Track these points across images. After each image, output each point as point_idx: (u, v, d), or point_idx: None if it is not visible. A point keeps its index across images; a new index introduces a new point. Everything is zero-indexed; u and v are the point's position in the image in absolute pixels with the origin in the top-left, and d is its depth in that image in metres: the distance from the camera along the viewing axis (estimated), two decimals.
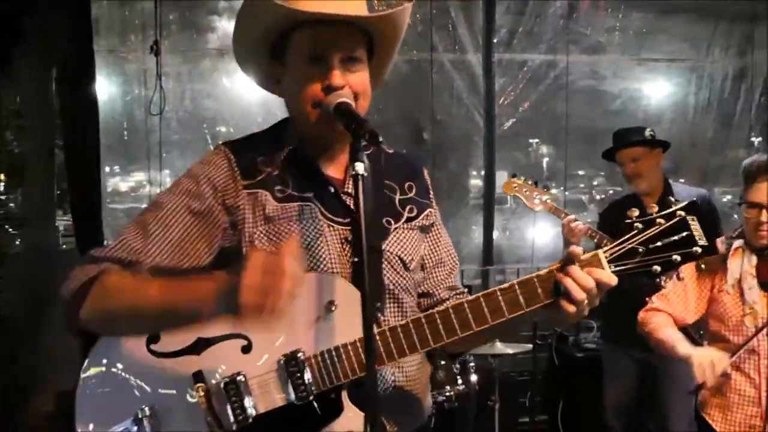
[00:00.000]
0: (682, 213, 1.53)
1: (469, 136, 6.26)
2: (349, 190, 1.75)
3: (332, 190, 1.74)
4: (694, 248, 1.52)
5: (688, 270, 2.88)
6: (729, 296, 2.81)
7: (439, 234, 1.89)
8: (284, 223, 1.68)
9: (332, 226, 1.72)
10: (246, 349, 1.59)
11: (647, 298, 3.66)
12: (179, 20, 5.85)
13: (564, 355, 5.63)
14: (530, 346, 4.34)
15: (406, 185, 1.84)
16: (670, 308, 2.93)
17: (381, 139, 1.48)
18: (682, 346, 2.76)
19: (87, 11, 5.73)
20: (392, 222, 1.78)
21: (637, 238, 1.53)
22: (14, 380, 5.14)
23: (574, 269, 1.54)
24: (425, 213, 1.84)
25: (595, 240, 3.93)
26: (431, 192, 1.90)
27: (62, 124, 5.98)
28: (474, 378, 4.06)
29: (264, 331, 1.52)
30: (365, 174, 1.43)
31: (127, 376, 1.59)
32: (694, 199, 1.60)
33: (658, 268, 1.53)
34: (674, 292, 2.94)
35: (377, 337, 1.56)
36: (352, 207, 1.73)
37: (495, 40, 6.11)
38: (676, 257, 1.52)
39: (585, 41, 6.30)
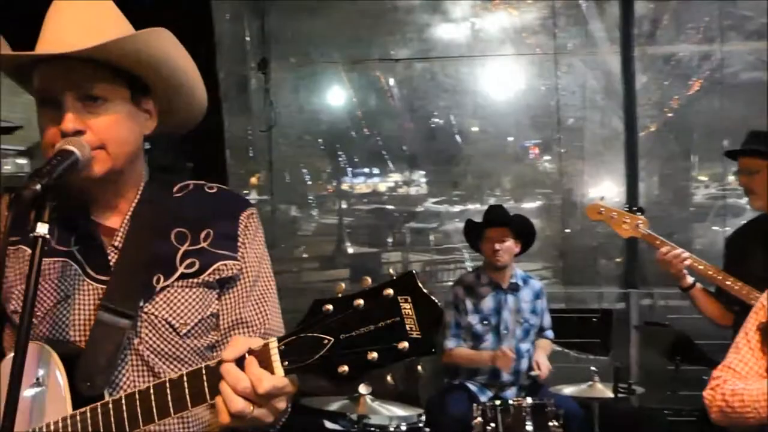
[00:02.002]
0: (390, 291, 1.07)
1: (607, 143, 5.58)
2: (117, 243, 1.51)
3: (99, 241, 1.52)
4: (401, 343, 1.05)
5: (752, 329, 2.19)
6: None
7: (244, 289, 1.56)
8: (40, 282, 1.46)
9: (91, 285, 1.50)
10: None
11: None
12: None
13: None
14: None
15: (203, 233, 1.55)
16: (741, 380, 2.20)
17: (48, 205, 1.29)
18: None
19: (210, 34, 5.89)
20: (162, 279, 1.49)
21: (322, 324, 1.10)
22: None
23: (228, 368, 1.17)
24: (216, 266, 1.53)
25: (701, 269, 3.25)
26: (239, 240, 1.57)
27: (189, 147, 6.24)
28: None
29: None
30: (46, 236, 1.28)
31: None
32: (413, 270, 1.11)
33: (345, 368, 1.08)
34: (741, 360, 2.22)
35: (77, 417, 1.33)
36: (112, 263, 1.50)
37: (635, 32, 5.39)
38: (373, 356, 1.06)
39: (748, 26, 5.35)
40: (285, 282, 6.46)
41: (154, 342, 1.48)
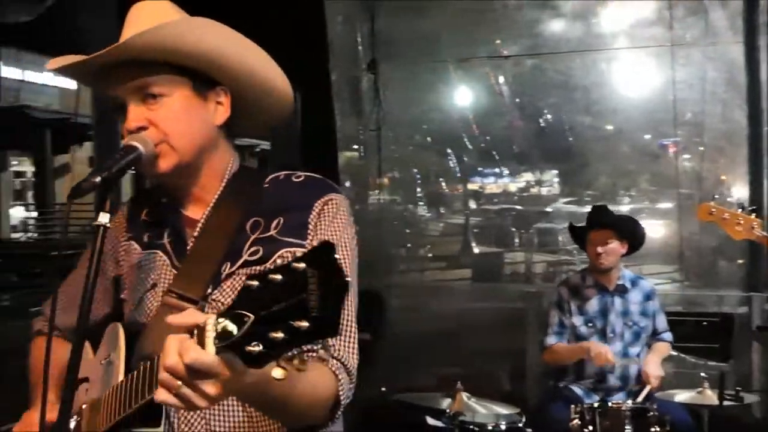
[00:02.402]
0: (302, 265, 0.98)
1: (729, 138, 5.29)
2: (196, 234, 1.58)
3: (185, 233, 1.61)
4: (300, 322, 0.96)
5: None
6: None
7: None
8: (138, 272, 1.63)
9: (174, 273, 1.58)
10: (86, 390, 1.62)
11: None
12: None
13: None
14: None
15: (274, 221, 1.56)
16: None
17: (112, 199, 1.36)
18: None
19: (323, 36, 6.06)
20: (228, 266, 1.53)
21: (247, 301, 1.02)
22: None
23: (169, 339, 1.12)
24: (280, 253, 1.52)
25: None
26: (310, 227, 1.55)
27: (302, 147, 6.46)
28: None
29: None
30: (107, 225, 1.33)
31: None
32: (318, 244, 1.01)
33: (255, 349, 0.99)
34: None
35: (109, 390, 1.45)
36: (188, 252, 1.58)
37: (760, 20, 5.08)
38: (278, 335, 0.97)
39: None
40: (408, 281, 6.53)
41: None
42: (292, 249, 1.52)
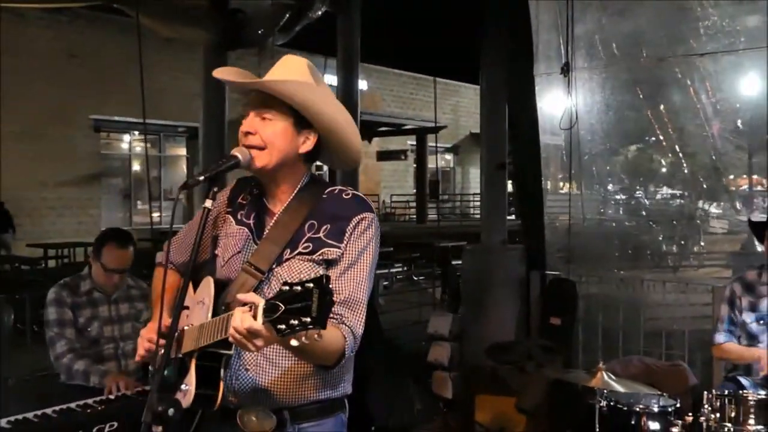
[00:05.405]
0: (310, 285, 1.63)
1: None
2: (272, 223, 2.16)
3: (265, 220, 2.20)
4: (305, 318, 1.61)
5: None
6: None
7: (340, 269, 2.10)
8: (229, 239, 2.22)
9: (255, 247, 2.16)
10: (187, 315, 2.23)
11: None
12: None
13: None
14: None
15: (324, 226, 2.11)
16: None
17: (216, 189, 2.02)
18: None
19: (529, 41, 6.54)
20: (288, 252, 2.11)
21: (280, 296, 1.66)
22: None
23: (237, 310, 1.77)
24: (323, 250, 2.09)
25: None
26: (346, 235, 2.10)
27: (511, 142, 6.95)
28: None
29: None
30: (211, 208, 2.00)
31: None
32: (322, 275, 1.68)
33: (282, 326, 1.63)
34: None
35: (202, 325, 2.04)
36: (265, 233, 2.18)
37: None
38: (294, 321, 1.62)
39: None
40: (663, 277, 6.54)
41: (272, 291, 1.95)
42: (331, 249, 2.09)
